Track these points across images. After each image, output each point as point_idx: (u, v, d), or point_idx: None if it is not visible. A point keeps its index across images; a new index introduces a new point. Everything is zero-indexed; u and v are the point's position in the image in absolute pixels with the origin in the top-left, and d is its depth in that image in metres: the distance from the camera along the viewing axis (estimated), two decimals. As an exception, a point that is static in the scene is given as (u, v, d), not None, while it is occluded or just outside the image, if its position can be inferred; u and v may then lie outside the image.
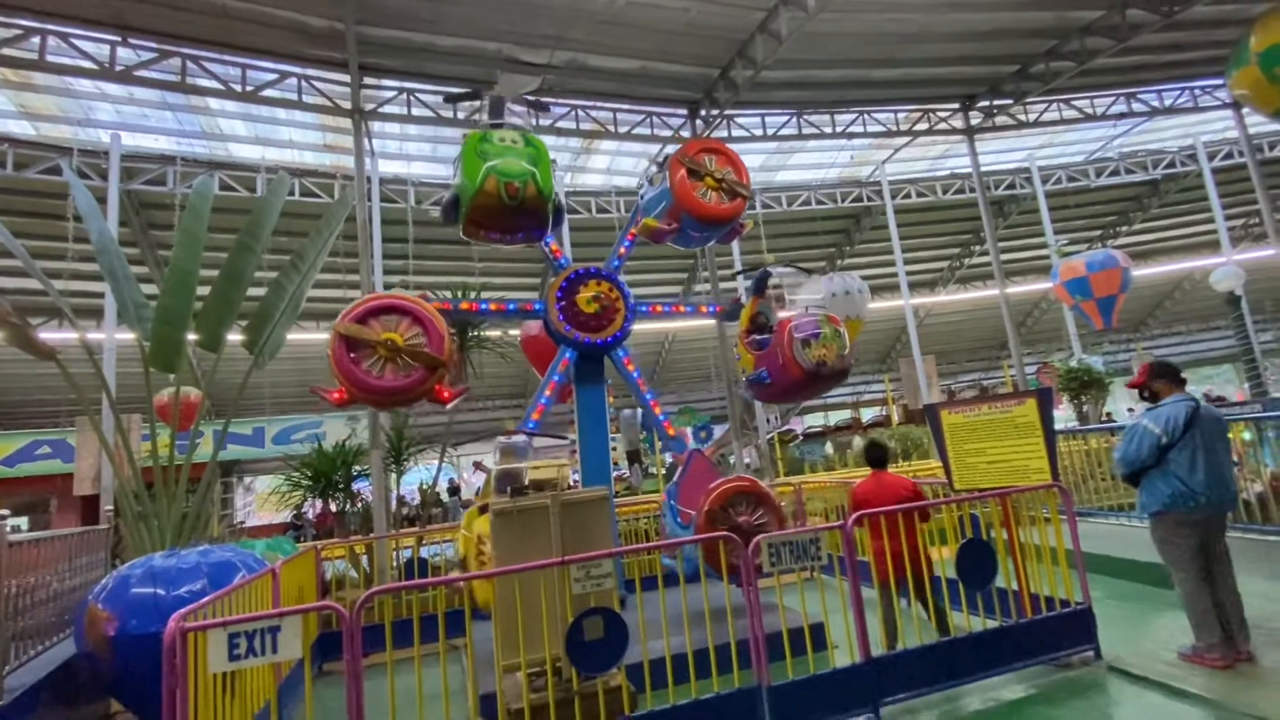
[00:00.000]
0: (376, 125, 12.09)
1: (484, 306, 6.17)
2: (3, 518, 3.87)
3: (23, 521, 16.39)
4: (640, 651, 3.57)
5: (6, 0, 8.68)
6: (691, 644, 3.64)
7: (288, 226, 10.65)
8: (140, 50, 9.45)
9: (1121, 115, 15.71)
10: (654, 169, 6.64)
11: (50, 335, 15.18)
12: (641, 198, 6.72)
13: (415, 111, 11.00)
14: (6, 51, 8.86)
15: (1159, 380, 4.24)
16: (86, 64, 9.21)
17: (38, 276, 6.19)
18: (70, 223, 12.67)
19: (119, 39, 9.23)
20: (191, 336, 6.44)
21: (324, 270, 7.92)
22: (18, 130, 12.71)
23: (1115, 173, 21.59)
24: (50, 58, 9.08)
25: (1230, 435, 4.86)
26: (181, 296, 6.28)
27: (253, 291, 6.90)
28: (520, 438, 4.96)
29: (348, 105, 9.77)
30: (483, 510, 4.36)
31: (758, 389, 6.34)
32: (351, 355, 4.91)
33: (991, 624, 4.28)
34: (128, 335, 8.16)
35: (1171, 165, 21.67)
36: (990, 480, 4.85)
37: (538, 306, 6.16)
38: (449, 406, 5.49)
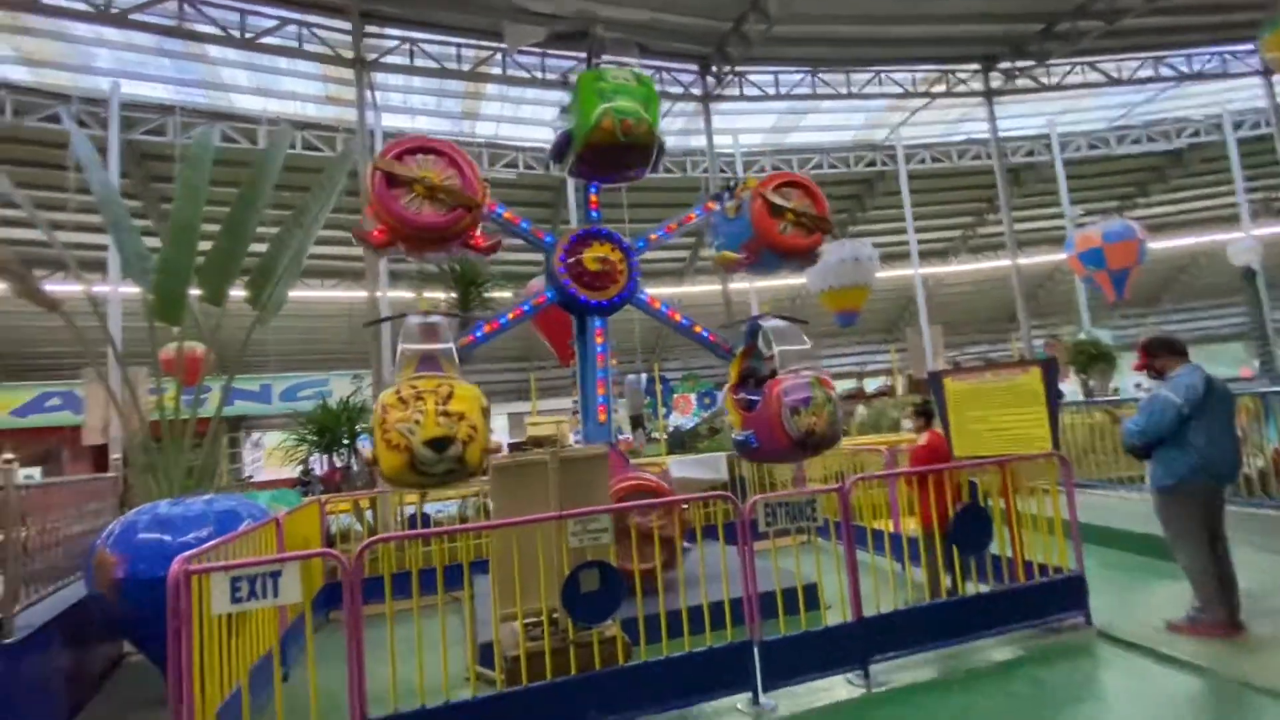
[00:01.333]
0: (379, 77, 11.83)
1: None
2: (9, 461, 3.92)
3: (36, 471, 16.70)
4: (636, 606, 3.63)
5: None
6: (686, 601, 3.70)
7: (290, 180, 10.54)
8: (137, -7, 9.21)
9: (1148, 79, 15.23)
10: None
11: (55, 287, 15.16)
12: (716, 231, 6.58)
13: (419, 62, 10.74)
14: (0, -8, 8.65)
15: (1161, 355, 4.20)
16: (80, 5, 8.99)
17: (41, 227, 6.15)
18: (71, 173, 12.54)
19: (114, -20, 8.99)
20: (195, 291, 6.43)
21: (327, 226, 7.84)
22: (16, 77, 12.50)
23: (1137, 140, 21.02)
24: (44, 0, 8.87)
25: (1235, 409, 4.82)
26: (183, 249, 6.23)
27: (255, 247, 6.85)
28: (437, 317, 4.94)
29: (349, 54, 9.54)
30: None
31: (744, 451, 5.92)
32: (392, 191, 4.95)
33: (985, 589, 4.33)
34: (133, 288, 8.15)
35: (1196, 134, 21.06)
36: (991, 448, 4.85)
37: (550, 295, 5.97)
38: (486, 257, 5.59)
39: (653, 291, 6.36)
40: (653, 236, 6.46)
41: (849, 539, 3.92)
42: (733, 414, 6.03)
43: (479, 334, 5.62)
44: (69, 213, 12.94)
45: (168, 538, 4.29)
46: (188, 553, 3.11)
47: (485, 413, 4.47)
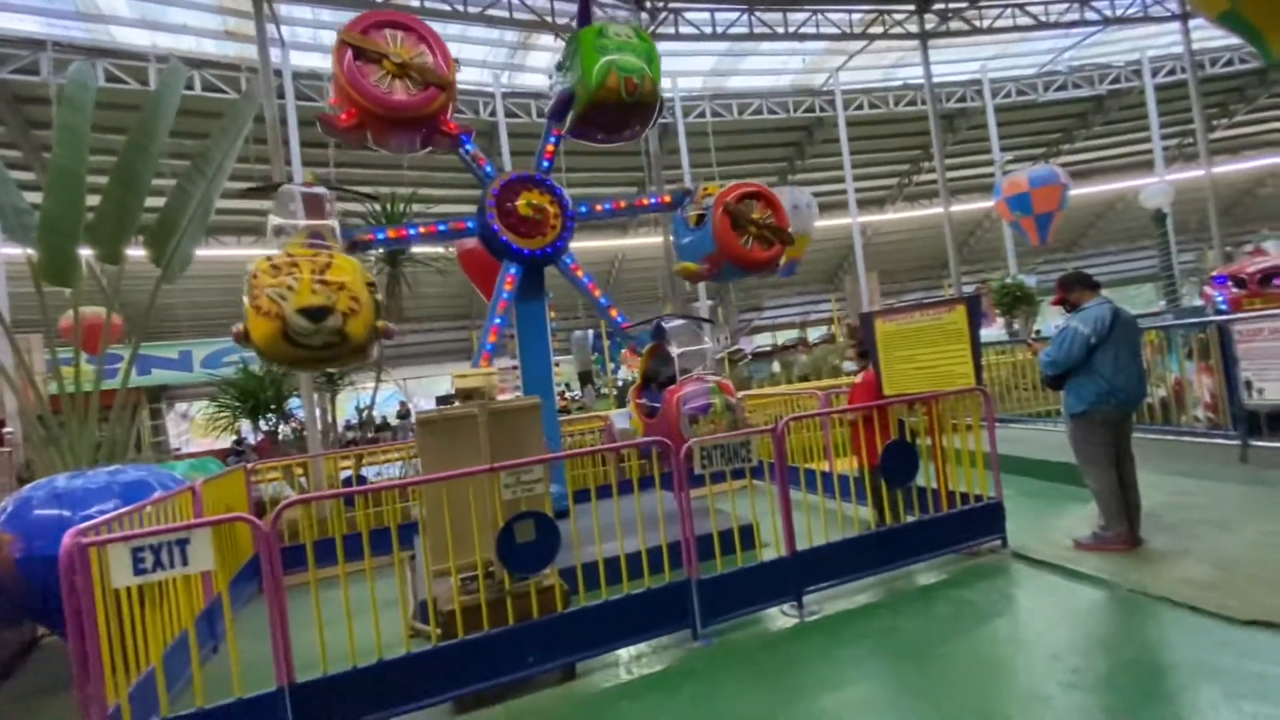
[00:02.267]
0: (284, 10, 10.82)
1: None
2: None
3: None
4: (574, 556, 3.61)
5: None
6: (624, 548, 3.70)
7: (190, 127, 9.68)
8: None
9: (1074, 23, 15.57)
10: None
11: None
12: (677, 236, 6.48)
13: (328, -5, 9.87)
14: None
15: (1075, 289, 4.39)
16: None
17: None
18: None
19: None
20: (88, 250, 5.85)
21: (235, 178, 7.24)
22: None
23: (1063, 87, 21.65)
24: None
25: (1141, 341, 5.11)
26: (68, 201, 5.64)
27: (154, 200, 6.26)
28: (321, 189, 4.72)
29: (247, -17, 8.65)
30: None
31: (645, 462, 5.93)
32: (360, 66, 4.66)
33: (911, 519, 4.52)
34: (15, 249, 7.37)
35: (1117, 80, 21.84)
36: (918, 386, 4.99)
37: (470, 225, 5.76)
38: (461, 143, 5.45)
39: (596, 244, 6.24)
40: (598, 207, 6.34)
41: (782, 478, 3.99)
42: (635, 419, 5.84)
43: (380, 234, 5.40)
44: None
45: (68, 513, 4.01)
46: (79, 526, 2.89)
47: (371, 288, 4.24)
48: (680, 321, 5.96)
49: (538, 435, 3.82)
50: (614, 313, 6.17)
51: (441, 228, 5.82)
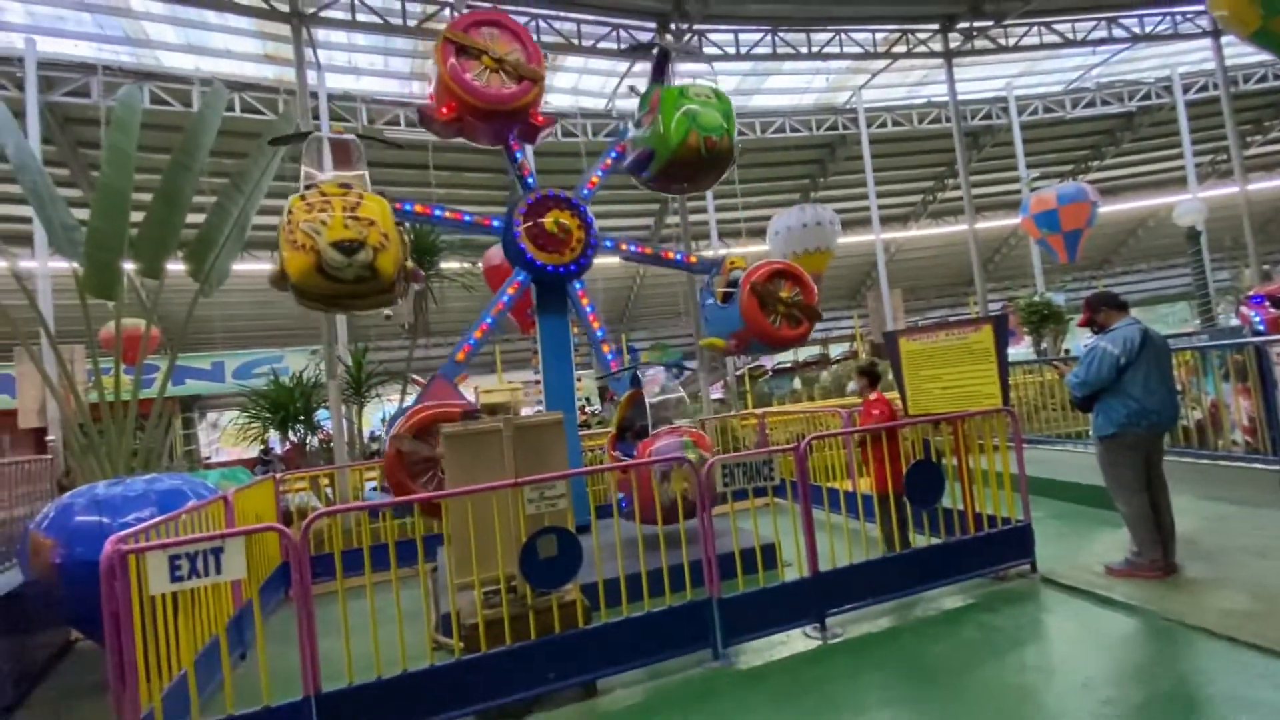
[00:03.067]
0: (321, 35, 11.20)
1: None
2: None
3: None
4: (595, 572, 3.63)
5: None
6: (647, 564, 3.71)
7: (229, 146, 10.01)
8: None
9: (1102, 41, 15.41)
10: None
11: (-18, 264, 14.26)
12: (703, 311, 6.66)
13: (360, 18, 10.19)
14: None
15: (1103, 309, 4.33)
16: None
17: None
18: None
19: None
20: (130, 265, 6.08)
21: (271, 195, 7.47)
22: (-83, 33, 11.49)
23: (1091, 104, 21.39)
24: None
25: (1174, 362, 5.01)
26: (114, 219, 5.87)
27: (194, 217, 6.50)
28: (350, 136, 4.97)
29: (285, 8, 8.98)
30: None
31: (623, 514, 5.86)
32: (461, 63, 5.06)
33: (936, 541, 4.45)
34: (63, 263, 7.68)
35: (1147, 97, 21.53)
36: (944, 406, 4.94)
37: (495, 224, 5.88)
38: (542, 134, 5.78)
39: (618, 260, 6.36)
40: (623, 246, 6.52)
41: (805, 497, 3.97)
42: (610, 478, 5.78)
43: (408, 206, 5.55)
44: (-13, 183, 12.11)
45: (107, 519, 4.13)
46: (121, 533, 2.99)
47: (400, 228, 4.49)
48: (659, 369, 5.95)
49: (561, 450, 3.86)
50: (606, 349, 6.10)
51: (467, 219, 5.95)
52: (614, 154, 6.36)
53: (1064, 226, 15.48)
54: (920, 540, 4.54)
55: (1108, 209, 21.44)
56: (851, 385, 5.15)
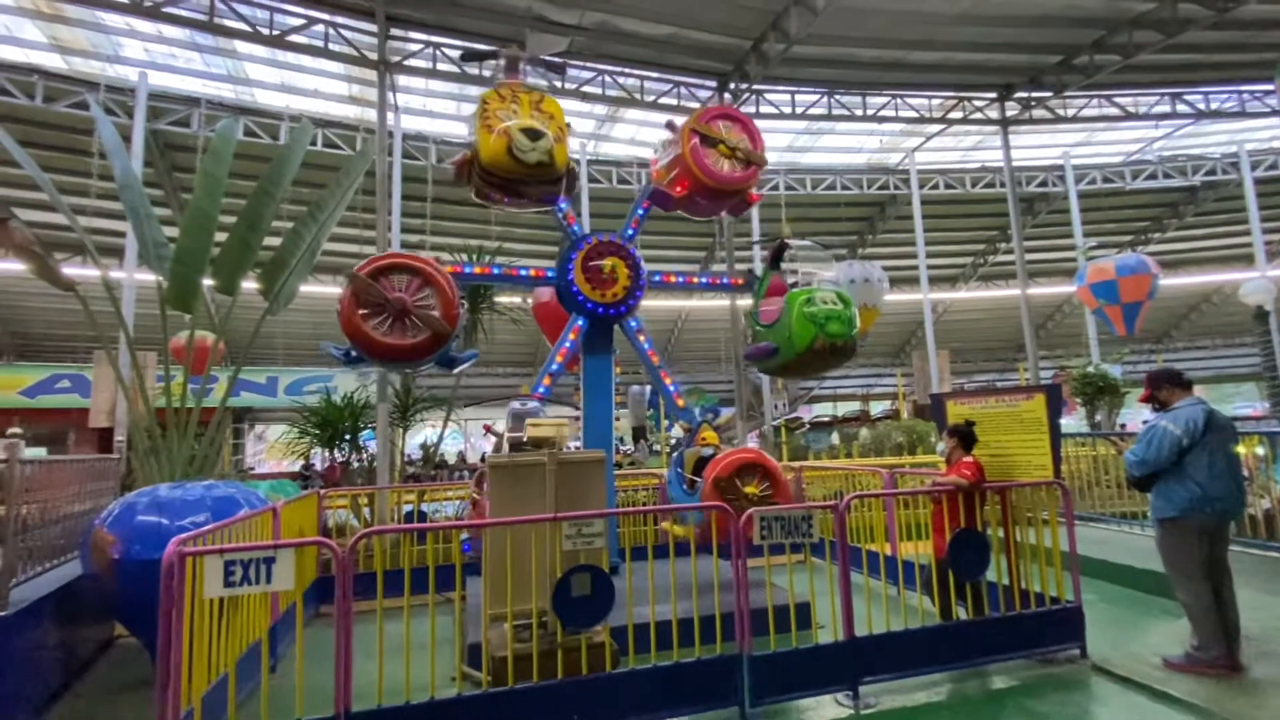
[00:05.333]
0: (401, 79, 12.00)
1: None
2: (16, 436, 3.97)
3: (42, 451, 16.84)
4: (626, 615, 3.61)
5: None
6: (677, 612, 3.68)
7: (308, 177, 10.68)
8: (170, -13, 9.41)
9: (1164, 116, 15.23)
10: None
11: (73, 271, 15.38)
12: (670, 483, 6.54)
13: (440, 66, 10.90)
14: (38, -19, 8.85)
15: (1165, 386, 4.19)
16: (117, -3, 9.21)
17: (63, 211, 6.24)
18: (95, 159, 12.76)
19: (149, -26, 9.19)
20: (208, 281, 6.50)
21: (341, 224, 7.95)
22: (48, 63, 12.76)
23: (1153, 176, 21.00)
24: (81, -10, 9.07)
25: (1242, 448, 4.79)
26: (200, 238, 6.31)
27: (270, 240, 6.94)
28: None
29: (373, 56, 9.69)
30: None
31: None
32: (703, 149, 5.62)
33: (988, 616, 4.28)
34: (147, 275, 8.26)
35: (1212, 172, 21.03)
36: (990, 473, 4.81)
37: (550, 274, 6.11)
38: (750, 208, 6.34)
39: (660, 304, 6.49)
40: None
41: (843, 557, 3.89)
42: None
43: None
44: (91, 198, 13.17)
45: (165, 520, 4.31)
46: (184, 535, 3.13)
47: (569, 129, 5.18)
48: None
49: (601, 489, 3.91)
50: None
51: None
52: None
53: (1123, 298, 15.05)
54: (961, 614, 4.36)
55: (1169, 282, 20.78)
56: (940, 447, 4.88)
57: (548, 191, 5.38)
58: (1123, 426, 17.76)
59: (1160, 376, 4.26)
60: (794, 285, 6.45)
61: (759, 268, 7.01)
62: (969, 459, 4.54)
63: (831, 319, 5.69)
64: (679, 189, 5.81)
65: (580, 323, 5.99)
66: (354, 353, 5.25)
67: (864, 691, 3.75)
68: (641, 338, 6.24)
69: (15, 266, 14.38)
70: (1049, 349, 28.01)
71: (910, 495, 5.68)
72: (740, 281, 6.86)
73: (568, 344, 5.93)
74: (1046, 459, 4.59)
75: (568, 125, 5.27)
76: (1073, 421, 17.54)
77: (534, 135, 4.76)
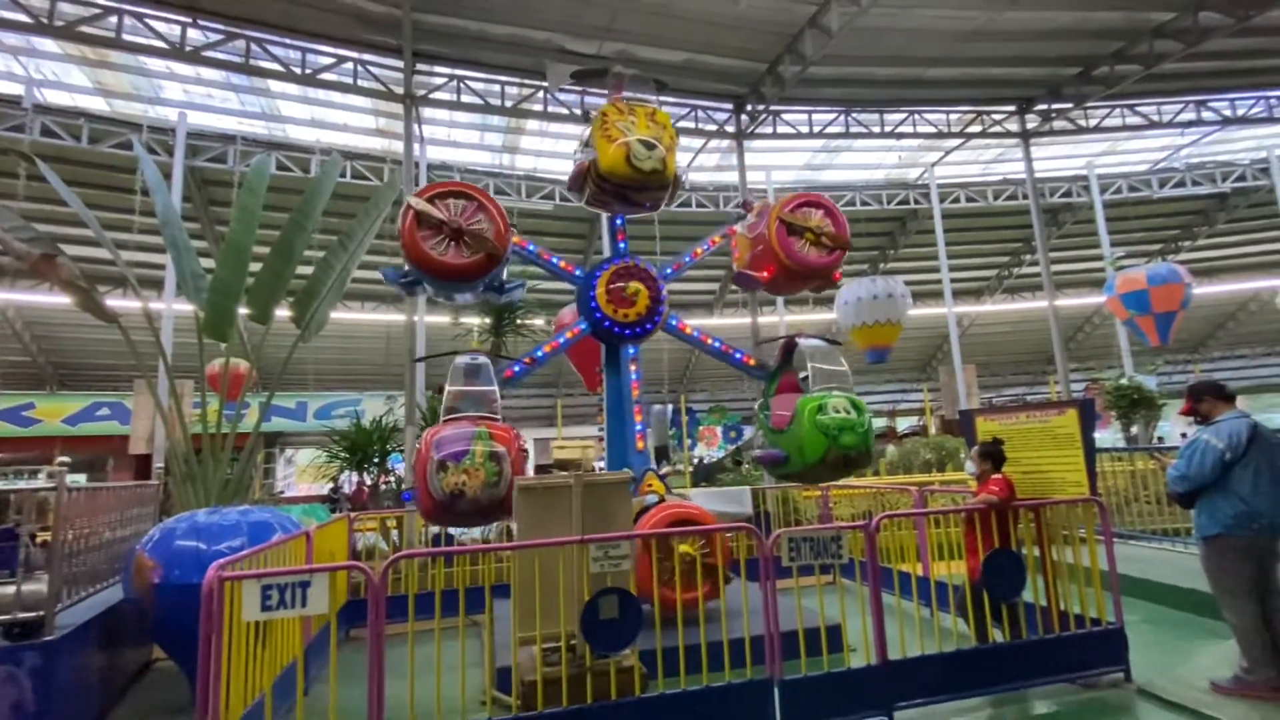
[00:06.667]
0: (426, 111, 12.37)
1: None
2: (64, 464, 4.12)
3: (82, 477, 17.35)
4: (655, 638, 3.60)
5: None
6: (706, 636, 3.65)
7: (338, 207, 10.99)
8: (209, 32, 9.88)
9: (1190, 123, 14.99)
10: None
11: (114, 302, 15.98)
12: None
13: (464, 98, 11.22)
14: (86, 29, 9.35)
15: (1207, 399, 4.09)
16: (159, 44, 9.67)
17: (107, 246, 6.52)
18: (137, 196, 13.30)
19: (190, 20, 9.67)
20: (243, 310, 6.72)
21: (369, 251, 8.16)
22: (93, 106, 13.40)
23: (1180, 184, 20.60)
24: (126, 37, 9.55)
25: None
26: (236, 270, 6.54)
27: (301, 269, 7.16)
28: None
29: (400, 90, 10.02)
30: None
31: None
32: (790, 238, 5.82)
33: (1018, 639, 4.17)
34: (185, 306, 8.58)
35: (1242, 178, 20.57)
36: (1023, 491, 4.72)
37: (583, 327, 6.05)
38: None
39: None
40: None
41: (874, 578, 3.84)
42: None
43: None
44: (133, 233, 13.72)
45: (203, 545, 4.42)
46: (224, 559, 3.21)
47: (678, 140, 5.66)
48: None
49: (627, 510, 3.92)
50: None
51: (561, 340, 6.11)
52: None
53: (1155, 308, 14.70)
54: (997, 636, 4.26)
55: (1203, 290, 20.25)
56: (970, 468, 4.75)
57: (656, 197, 5.71)
58: (1160, 440, 17.23)
59: (1201, 389, 4.16)
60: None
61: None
62: (998, 476, 4.47)
63: (845, 430, 5.32)
64: (765, 274, 5.92)
65: (582, 326, 6.01)
66: (410, 276, 5.48)
67: (899, 717, 3.67)
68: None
69: (60, 300, 15.00)
70: (1079, 361, 27.38)
71: (941, 514, 5.57)
72: (753, 362, 6.70)
73: (560, 339, 5.95)
74: (1081, 475, 4.49)
75: (677, 135, 5.67)
76: (1108, 435, 17.06)
77: (649, 146, 5.19)
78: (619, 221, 6.50)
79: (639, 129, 5.35)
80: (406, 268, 5.47)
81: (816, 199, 6.14)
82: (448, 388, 5.05)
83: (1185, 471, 3.95)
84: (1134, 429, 15.28)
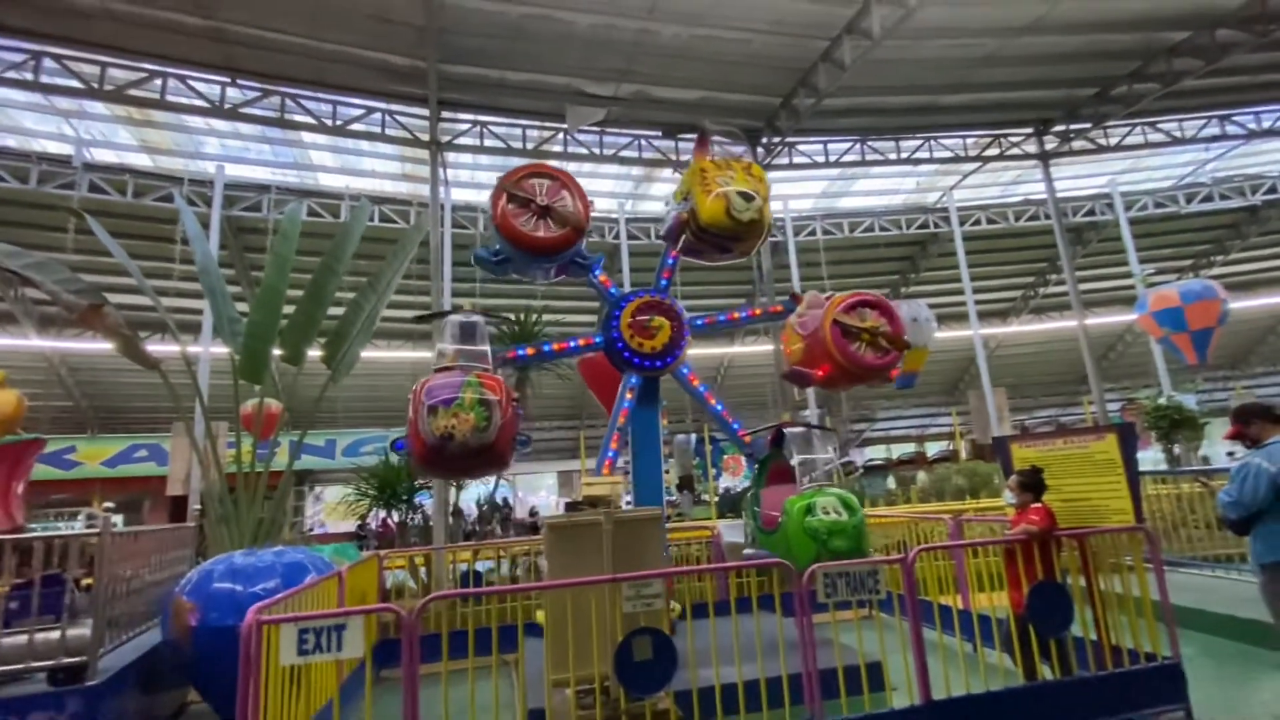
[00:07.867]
0: (450, 155, 12.78)
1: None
2: (109, 509, 4.23)
3: (119, 519, 17.71)
4: (689, 678, 3.53)
5: (133, 47, 9.75)
6: (742, 675, 3.57)
7: (367, 250, 11.31)
8: (246, 90, 10.39)
9: (1214, 138, 14.81)
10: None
11: (153, 347, 16.50)
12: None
13: (487, 143, 11.58)
14: (133, 92, 9.90)
15: (1256, 421, 3.96)
16: (200, 103, 10.20)
17: (149, 294, 6.79)
18: (177, 245, 13.87)
19: (229, 80, 10.20)
20: (276, 352, 6.91)
21: (397, 291, 8.37)
22: (138, 163, 14.11)
23: (1208, 199, 20.24)
24: (170, 97, 10.10)
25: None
26: (270, 313, 6.76)
27: (332, 310, 7.37)
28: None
29: (426, 137, 10.39)
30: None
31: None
32: (845, 341, 5.90)
33: (1068, 677, 4.00)
34: (221, 349, 8.87)
35: (1272, 190, 20.15)
36: (1065, 520, 4.57)
37: (598, 340, 6.19)
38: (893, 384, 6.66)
39: (703, 351, 6.55)
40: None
41: (914, 615, 3.73)
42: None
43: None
44: (172, 280, 14.26)
45: (239, 587, 4.48)
46: (261, 603, 3.25)
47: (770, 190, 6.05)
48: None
49: (657, 547, 3.89)
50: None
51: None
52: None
53: (1191, 325, 14.33)
54: (1046, 673, 4.09)
55: (1239, 305, 19.68)
56: (1009, 498, 4.56)
57: (750, 246, 6.00)
58: (1205, 461, 16.56)
59: (1250, 411, 4.03)
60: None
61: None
62: (1038, 505, 4.34)
63: (835, 533, 5.05)
64: (820, 373, 5.93)
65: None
66: (501, 255, 5.69)
67: (947, 761, 3.52)
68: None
69: (102, 345, 15.56)
70: (1113, 380, 26.65)
71: (981, 545, 5.41)
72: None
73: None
74: (1126, 502, 4.35)
75: (769, 186, 6.00)
76: (1149, 454, 16.47)
77: (748, 198, 5.52)
78: (670, 261, 6.62)
79: (738, 182, 5.64)
80: (497, 246, 5.73)
81: (872, 299, 6.05)
82: (440, 345, 5.12)
83: (1237, 497, 3.80)
84: (1176, 450, 14.74)
